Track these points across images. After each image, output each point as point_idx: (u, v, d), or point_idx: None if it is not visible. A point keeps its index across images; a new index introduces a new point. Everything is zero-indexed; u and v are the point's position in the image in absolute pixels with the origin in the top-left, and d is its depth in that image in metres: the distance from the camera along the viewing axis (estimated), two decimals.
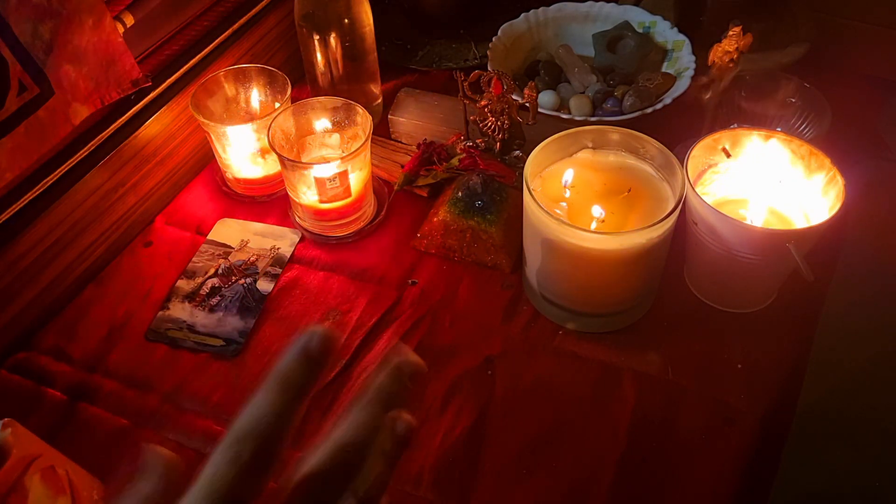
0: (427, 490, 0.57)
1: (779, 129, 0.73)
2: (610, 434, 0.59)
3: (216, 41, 0.82)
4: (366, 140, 0.70)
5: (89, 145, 0.71)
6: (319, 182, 0.70)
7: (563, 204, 0.64)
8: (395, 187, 0.78)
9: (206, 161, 0.84)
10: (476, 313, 0.69)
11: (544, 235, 0.60)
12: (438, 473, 0.58)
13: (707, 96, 0.73)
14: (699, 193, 0.61)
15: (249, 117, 0.80)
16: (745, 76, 0.77)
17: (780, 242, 0.59)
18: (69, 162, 0.69)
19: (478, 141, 0.76)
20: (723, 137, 0.65)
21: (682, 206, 0.60)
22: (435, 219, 0.72)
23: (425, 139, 0.79)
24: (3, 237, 0.64)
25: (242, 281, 0.72)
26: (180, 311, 0.70)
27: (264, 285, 0.72)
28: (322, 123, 0.76)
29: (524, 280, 0.70)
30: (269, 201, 0.80)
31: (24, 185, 0.66)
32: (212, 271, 0.73)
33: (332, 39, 0.80)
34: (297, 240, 0.76)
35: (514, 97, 0.71)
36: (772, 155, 0.65)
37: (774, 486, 0.60)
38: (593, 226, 0.62)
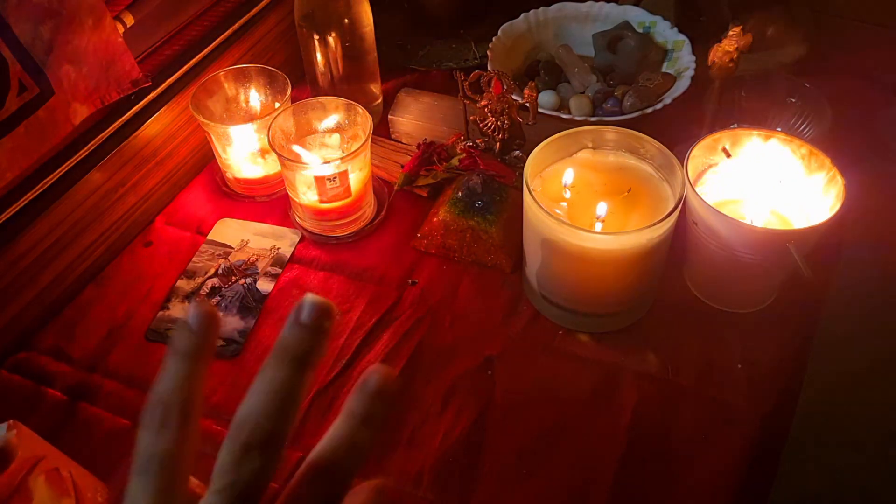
0: (427, 490, 0.57)
1: (779, 129, 0.73)
2: (610, 434, 0.59)
3: (216, 41, 0.82)
4: (366, 140, 0.70)
5: (89, 145, 0.70)
6: (319, 182, 0.70)
7: (563, 204, 0.64)
8: (395, 187, 0.78)
9: (206, 161, 0.84)
10: (476, 313, 0.69)
11: (544, 235, 0.60)
12: (438, 473, 0.58)
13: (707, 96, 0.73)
14: (699, 193, 0.61)
15: (249, 117, 0.80)
16: (745, 76, 0.77)
17: (780, 242, 0.59)
18: (69, 162, 0.69)
19: (478, 141, 0.76)
20: (723, 137, 0.65)
21: (682, 206, 0.60)
22: (435, 219, 0.72)
23: (425, 139, 0.79)
24: (3, 237, 0.64)
25: (242, 281, 0.72)
26: (180, 311, 0.70)
27: (264, 285, 0.72)
28: (322, 123, 0.76)
29: (524, 280, 0.70)
30: (269, 201, 0.80)
31: (24, 185, 0.66)
32: (212, 271, 0.73)
33: (332, 39, 0.80)
34: (297, 240, 0.76)
35: (514, 97, 0.71)
36: (772, 155, 0.65)
37: (774, 486, 0.60)
38: (598, 226, 0.62)
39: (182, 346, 0.27)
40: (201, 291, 0.71)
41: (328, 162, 0.69)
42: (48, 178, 0.67)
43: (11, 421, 0.45)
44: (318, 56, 0.81)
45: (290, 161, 0.70)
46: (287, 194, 0.75)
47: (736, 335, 0.66)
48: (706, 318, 0.67)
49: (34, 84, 0.63)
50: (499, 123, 0.73)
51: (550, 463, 0.58)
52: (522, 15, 0.87)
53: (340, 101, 0.74)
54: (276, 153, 0.69)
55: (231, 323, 0.69)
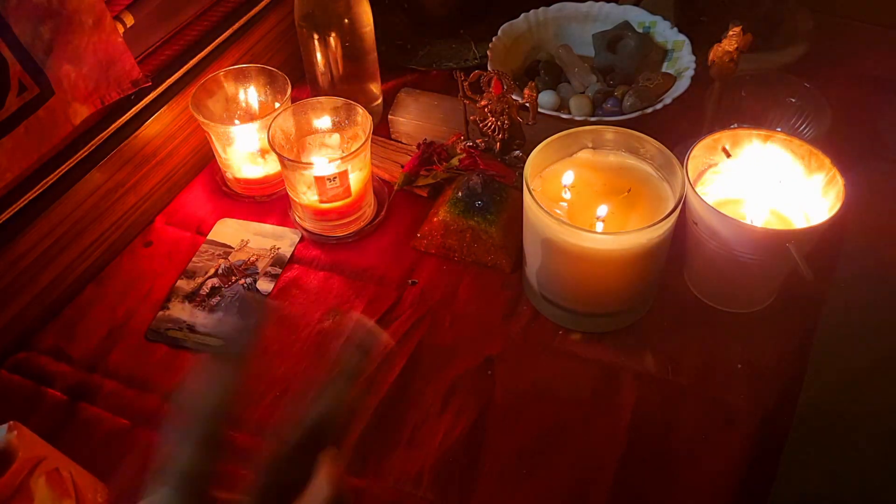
0: (427, 490, 0.57)
1: (779, 129, 0.73)
2: (610, 434, 0.59)
3: (216, 41, 0.82)
4: (366, 140, 0.70)
5: (89, 145, 0.71)
6: (319, 182, 0.70)
7: (563, 204, 0.64)
8: (395, 187, 0.78)
9: (206, 161, 0.84)
10: (476, 313, 0.69)
11: (544, 235, 0.60)
12: (438, 473, 0.58)
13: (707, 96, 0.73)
14: (699, 193, 0.61)
15: (249, 117, 0.80)
16: (745, 76, 0.77)
17: (780, 242, 0.59)
18: (69, 162, 0.69)
19: (478, 141, 0.76)
20: (723, 137, 0.65)
21: (682, 206, 0.60)
22: (435, 219, 0.72)
23: (425, 139, 0.79)
24: (3, 237, 0.64)
25: (242, 281, 0.72)
26: (180, 311, 0.70)
27: (264, 285, 0.72)
28: (322, 123, 0.76)
29: (524, 280, 0.70)
30: (269, 201, 0.80)
31: (24, 185, 0.66)
32: (212, 271, 0.73)
33: (332, 39, 0.80)
34: (297, 240, 0.76)
35: (514, 97, 0.71)
36: (772, 155, 0.65)
37: (774, 486, 0.60)
38: (598, 226, 0.62)
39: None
40: (201, 291, 0.71)
41: (328, 162, 0.69)
42: (48, 178, 0.67)
43: (12, 422, 0.45)
44: (318, 56, 0.81)
45: (290, 161, 0.70)
46: (287, 194, 0.75)
47: (736, 335, 0.66)
48: (706, 318, 0.67)
49: (34, 84, 0.63)
50: (499, 123, 0.73)
51: (550, 463, 0.58)
52: (522, 15, 0.87)
53: (340, 101, 0.74)
54: (276, 153, 0.69)
55: (231, 323, 0.68)
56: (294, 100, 0.76)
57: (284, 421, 0.28)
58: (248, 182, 0.80)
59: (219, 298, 0.71)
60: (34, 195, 0.67)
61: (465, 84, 0.72)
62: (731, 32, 0.67)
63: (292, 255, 0.75)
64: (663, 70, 0.82)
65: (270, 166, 0.79)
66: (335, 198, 0.72)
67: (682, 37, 0.83)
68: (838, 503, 1.17)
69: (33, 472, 0.46)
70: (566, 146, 0.66)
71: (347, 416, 0.29)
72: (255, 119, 0.75)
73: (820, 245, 0.61)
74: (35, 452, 0.47)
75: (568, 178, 0.64)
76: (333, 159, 0.70)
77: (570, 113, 0.78)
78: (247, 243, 0.76)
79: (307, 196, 0.73)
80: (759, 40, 0.69)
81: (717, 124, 0.73)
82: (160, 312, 0.70)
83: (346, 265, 0.73)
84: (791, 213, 0.65)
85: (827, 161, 0.62)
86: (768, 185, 0.65)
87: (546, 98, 0.80)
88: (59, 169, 0.68)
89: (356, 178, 0.72)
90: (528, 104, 0.70)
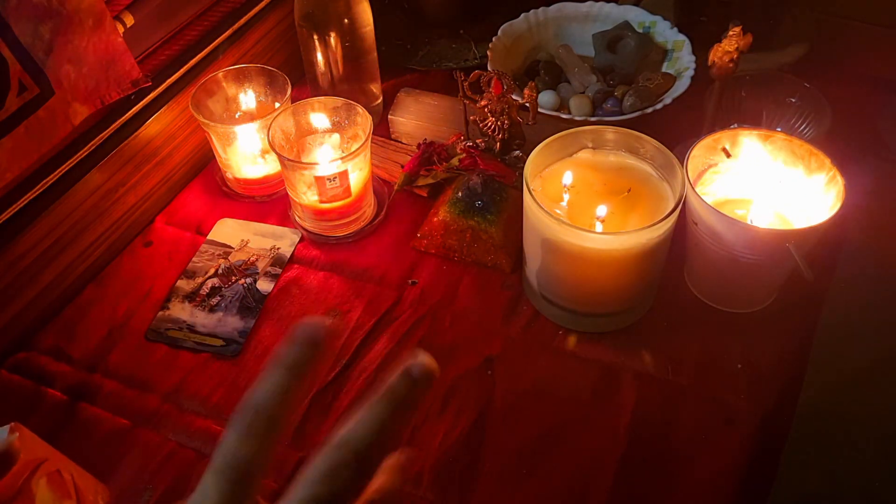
0: (427, 490, 0.57)
1: (779, 129, 0.73)
2: (610, 434, 0.59)
3: (216, 41, 0.82)
4: (366, 140, 0.70)
5: (89, 145, 0.71)
6: (319, 182, 0.70)
7: (563, 204, 0.64)
8: (395, 187, 0.78)
9: (206, 161, 0.84)
10: (476, 313, 0.69)
11: (544, 235, 0.60)
12: (438, 473, 0.58)
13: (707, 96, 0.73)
14: (699, 193, 0.61)
15: (249, 117, 0.80)
16: (745, 76, 0.77)
17: (780, 242, 0.59)
18: (69, 162, 0.69)
19: (478, 141, 0.76)
20: (723, 137, 0.65)
21: (682, 206, 0.60)
22: (435, 219, 0.72)
23: (425, 139, 0.79)
24: (3, 237, 0.64)
25: (242, 281, 0.72)
26: (180, 311, 0.70)
27: (264, 285, 0.72)
28: (322, 123, 0.76)
29: (524, 280, 0.70)
30: (269, 201, 0.80)
31: (24, 185, 0.66)
32: (212, 271, 0.73)
33: (332, 39, 0.80)
34: (297, 240, 0.76)
35: (514, 97, 0.71)
36: (772, 155, 0.65)
37: (774, 486, 0.60)
38: (596, 226, 0.62)
39: (288, 359, 0.28)
40: (201, 291, 0.71)
41: (329, 162, 0.69)
42: (48, 178, 0.67)
43: (13, 424, 0.45)
44: (318, 56, 0.81)
45: (290, 161, 0.70)
46: (287, 194, 0.75)
47: (736, 335, 0.66)
48: (706, 318, 0.67)
49: (34, 84, 0.63)
50: (499, 123, 0.73)
51: (550, 463, 0.58)
52: (522, 15, 0.87)
53: (340, 101, 0.74)
54: (276, 153, 0.69)
55: (231, 323, 0.69)
56: (294, 100, 0.76)
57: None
58: (248, 182, 0.80)
59: (219, 298, 0.71)
60: (34, 195, 0.67)
61: (465, 84, 0.72)
62: (731, 32, 0.67)
63: (292, 255, 0.75)
64: (663, 70, 0.82)
65: (270, 166, 0.79)
66: (335, 198, 0.72)
67: (682, 37, 0.83)
68: (838, 503, 1.17)
69: (34, 473, 0.46)
70: (566, 146, 0.66)
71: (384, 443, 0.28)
72: (255, 119, 0.75)
73: (820, 245, 0.61)
74: (36, 454, 0.47)
75: (568, 178, 0.64)
76: (333, 159, 0.70)
77: (570, 113, 0.78)
78: (247, 243, 0.76)
79: (307, 196, 0.73)
80: (759, 40, 0.69)
81: (717, 124, 0.73)
82: (160, 312, 0.70)
83: (346, 265, 0.73)
84: (791, 213, 0.65)
85: (827, 161, 0.62)
86: (768, 185, 0.65)
87: (546, 98, 0.80)
88: (59, 169, 0.68)
89: (356, 178, 0.72)
90: (528, 104, 0.70)
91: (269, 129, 0.71)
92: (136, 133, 0.74)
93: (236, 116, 0.80)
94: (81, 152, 0.70)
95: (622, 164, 0.66)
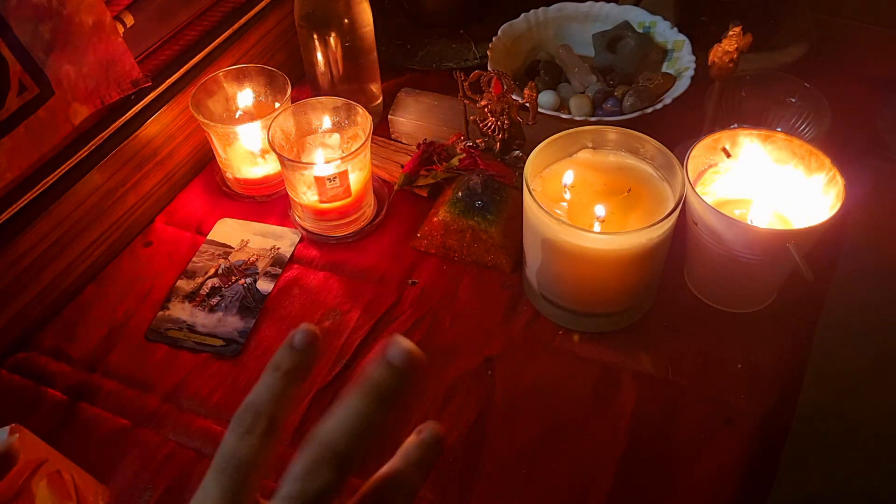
0: (427, 490, 0.57)
1: (779, 129, 0.73)
2: (610, 434, 0.59)
3: (216, 41, 0.82)
4: (366, 140, 0.70)
5: (89, 145, 0.71)
6: (319, 182, 0.70)
7: (564, 204, 0.64)
8: (395, 187, 0.78)
9: (206, 161, 0.84)
10: (476, 313, 0.69)
11: (544, 235, 0.60)
12: (438, 473, 0.58)
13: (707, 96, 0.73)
14: (699, 193, 0.61)
15: (249, 117, 0.80)
16: (745, 76, 0.77)
17: (780, 242, 0.59)
18: (69, 162, 0.69)
19: (478, 141, 0.76)
20: (723, 137, 0.65)
21: (682, 206, 0.60)
22: (435, 219, 0.72)
23: (425, 139, 0.79)
24: (3, 237, 0.64)
25: (242, 281, 0.72)
26: (180, 311, 0.70)
27: (264, 285, 0.72)
28: (322, 123, 0.76)
29: (524, 280, 0.70)
30: (269, 201, 0.80)
31: (24, 185, 0.66)
32: (212, 271, 0.73)
33: (332, 39, 0.80)
34: (297, 240, 0.76)
35: (514, 97, 0.71)
36: (772, 155, 0.65)
37: (774, 486, 0.60)
38: (596, 226, 0.62)
39: (283, 363, 0.29)
40: (201, 291, 0.71)
41: (328, 162, 0.69)
42: (48, 178, 0.67)
43: (14, 425, 0.45)
44: (318, 56, 0.81)
45: (290, 161, 0.70)
46: (287, 194, 0.75)
47: (736, 335, 0.66)
48: (706, 318, 0.67)
49: (34, 84, 0.63)
50: (499, 123, 0.73)
51: (550, 463, 0.58)
52: (522, 15, 0.87)
53: (340, 101, 0.74)
54: (276, 153, 0.69)
55: (231, 323, 0.69)
56: (294, 100, 0.76)
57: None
58: (248, 182, 0.80)
59: (219, 298, 0.71)
60: (34, 195, 0.67)
61: (465, 84, 0.72)
62: (731, 32, 0.67)
63: (292, 255, 0.75)
64: (663, 70, 0.82)
65: (270, 166, 0.79)
66: (335, 198, 0.72)
67: (682, 37, 0.83)
68: (838, 503, 1.17)
69: (34, 474, 0.46)
70: (566, 146, 0.66)
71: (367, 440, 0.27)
72: (255, 119, 0.75)
73: (820, 245, 0.61)
74: (37, 455, 0.47)
75: (568, 178, 0.64)
76: (333, 159, 0.70)
77: (570, 113, 0.78)
78: (247, 243, 0.76)
79: (307, 196, 0.73)
80: (759, 40, 0.69)
81: (717, 124, 0.73)
82: (160, 312, 0.70)
83: (346, 265, 0.73)
84: (791, 213, 0.65)
85: (827, 161, 0.62)
86: (768, 185, 0.65)
87: (546, 98, 0.80)
88: (59, 169, 0.68)
89: (356, 178, 0.72)
90: (528, 104, 0.70)
91: (269, 129, 0.71)
92: (136, 133, 0.74)
93: (236, 116, 0.80)
94: (81, 152, 0.70)
95: (622, 164, 0.66)
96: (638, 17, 0.86)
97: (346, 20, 0.79)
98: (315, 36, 0.80)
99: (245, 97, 0.80)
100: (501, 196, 0.72)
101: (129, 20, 0.71)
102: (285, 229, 0.77)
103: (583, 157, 0.66)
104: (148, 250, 0.76)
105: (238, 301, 0.70)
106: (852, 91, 0.85)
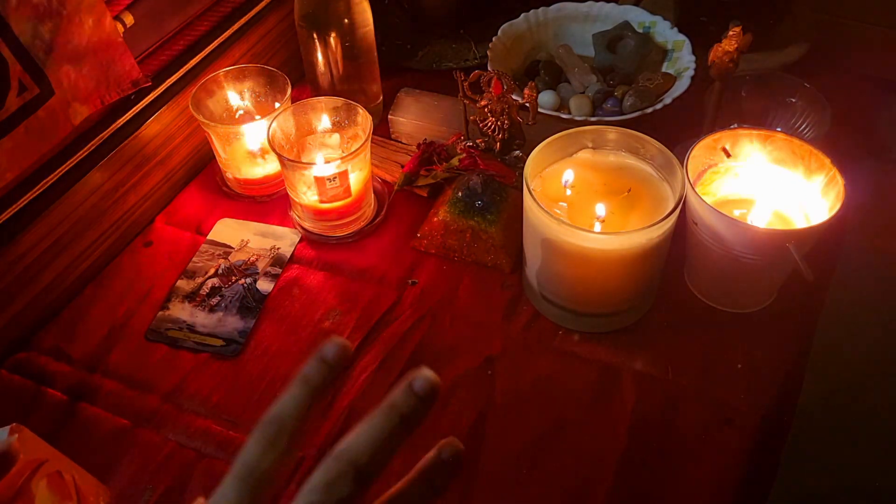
0: None
1: (779, 129, 0.73)
2: (610, 434, 0.59)
3: (216, 41, 0.82)
4: (366, 140, 0.70)
5: (89, 145, 0.71)
6: (319, 182, 0.70)
7: (563, 204, 0.64)
8: (395, 187, 0.78)
9: (206, 161, 0.84)
10: (476, 313, 0.69)
11: (544, 235, 0.60)
12: None
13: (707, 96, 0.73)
14: (699, 193, 0.61)
15: (249, 117, 0.80)
16: (745, 76, 0.77)
17: (780, 242, 0.59)
18: (69, 162, 0.69)
19: (478, 141, 0.76)
20: (723, 137, 0.65)
21: (682, 206, 0.60)
22: (435, 219, 0.72)
23: (425, 139, 0.79)
24: (3, 237, 0.64)
25: (242, 281, 0.72)
26: (180, 311, 0.70)
27: (264, 285, 0.72)
28: (322, 123, 0.76)
29: (524, 280, 0.70)
30: (269, 201, 0.80)
31: (24, 185, 0.66)
32: (212, 271, 0.73)
33: (332, 39, 0.80)
34: (297, 240, 0.76)
35: (514, 97, 0.71)
36: (772, 155, 0.65)
37: (774, 486, 0.60)
38: (596, 226, 0.62)
39: (313, 378, 0.30)
40: (201, 291, 0.71)
41: (328, 162, 0.69)
42: (48, 178, 0.67)
43: (14, 424, 0.45)
44: (318, 56, 0.81)
45: (290, 161, 0.70)
46: (287, 194, 0.75)
47: (736, 335, 0.66)
48: (706, 318, 0.67)
49: (34, 84, 0.63)
50: (499, 123, 0.73)
51: (550, 462, 0.58)
52: (522, 15, 0.87)
53: (340, 101, 0.74)
54: (276, 153, 0.69)
55: (231, 323, 0.69)
56: (294, 100, 0.76)
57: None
58: (248, 182, 0.80)
59: (219, 298, 0.71)
60: (34, 195, 0.67)
61: (465, 84, 0.72)
62: (731, 32, 0.67)
63: (292, 255, 0.75)
64: (663, 70, 0.82)
65: (270, 166, 0.79)
66: (335, 198, 0.72)
67: (682, 37, 0.83)
68: (838, 503, 1.17)
69: (35, 474, 0.46)
70: (566, 146, 0.66)
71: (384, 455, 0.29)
72: (255, 119, 0.75)
73: (820, 245, 0.61)
74: (37, 455, 0.47)
75: (568, 177, 0.64)
76: (333, 159, 0.70)
77: (570, 113, 0.78)
78: (247, 243, 0.76)
79: (307, 196, 0.73)
80: (759, 40, 0.69)
81: (717, 124, 0.73)
82: (160, 312, 0.70)
83: (346, 265, 0.73)
84: (791, 214, 0.65)
85: (827, 161, 0.62)
86: (768, 185, 0.65)
87: (546, 98, 0.80)
88: (59, 169, 0.68)
89: (356, 178, 0.72)
90: (528, 104, 0.70)
91: (269, 129, 0.71)
92: (136, 133, 0.74)
93: (236, 116, 0.80)
94: (81, 152, 0.70)
95: (622, 164, 0.66)
96: (638, 17, 0.86)
97: (346, 20, 0.79)
98: (315, 36, 0.80)
99: (245, 97, 0.80)
100: (501, 196, 0.72)
101: (129, 20, 0.71)
102: (285, 229, 0.77)
103: (583, 157, 0.66)
104: (148, 250, 0.76)
105: (238, 301, 0.70)
106: (852, 91, 0.85)
